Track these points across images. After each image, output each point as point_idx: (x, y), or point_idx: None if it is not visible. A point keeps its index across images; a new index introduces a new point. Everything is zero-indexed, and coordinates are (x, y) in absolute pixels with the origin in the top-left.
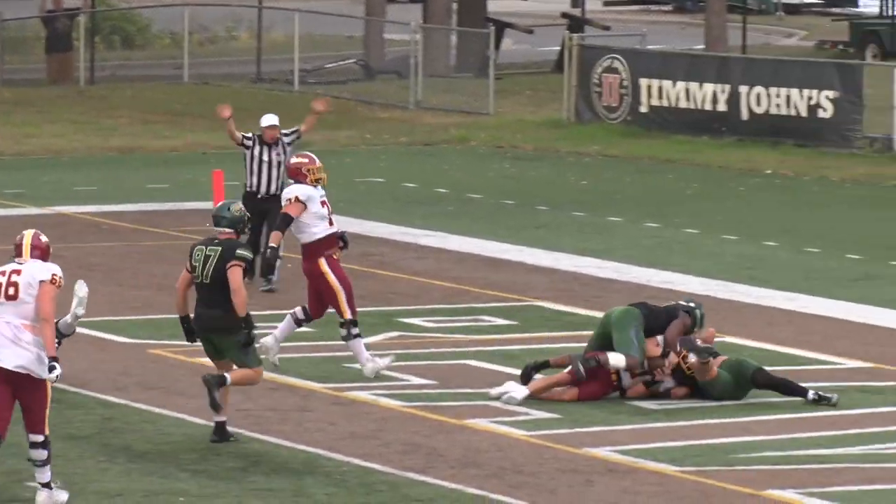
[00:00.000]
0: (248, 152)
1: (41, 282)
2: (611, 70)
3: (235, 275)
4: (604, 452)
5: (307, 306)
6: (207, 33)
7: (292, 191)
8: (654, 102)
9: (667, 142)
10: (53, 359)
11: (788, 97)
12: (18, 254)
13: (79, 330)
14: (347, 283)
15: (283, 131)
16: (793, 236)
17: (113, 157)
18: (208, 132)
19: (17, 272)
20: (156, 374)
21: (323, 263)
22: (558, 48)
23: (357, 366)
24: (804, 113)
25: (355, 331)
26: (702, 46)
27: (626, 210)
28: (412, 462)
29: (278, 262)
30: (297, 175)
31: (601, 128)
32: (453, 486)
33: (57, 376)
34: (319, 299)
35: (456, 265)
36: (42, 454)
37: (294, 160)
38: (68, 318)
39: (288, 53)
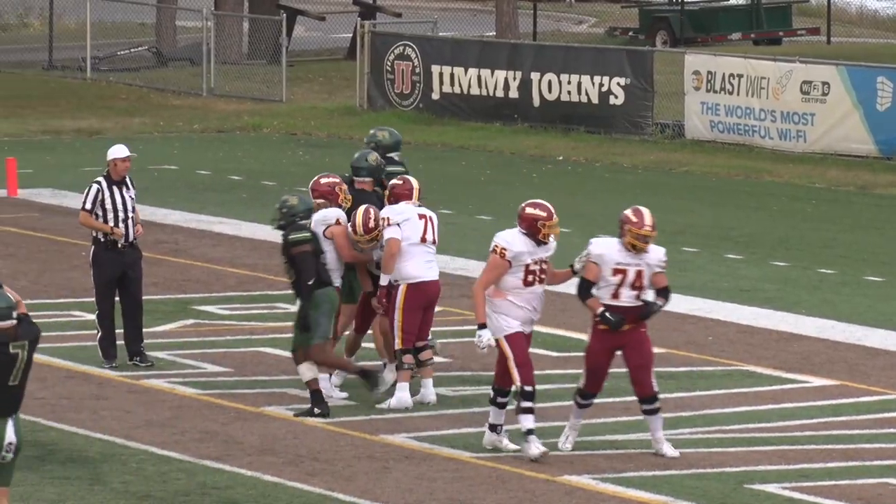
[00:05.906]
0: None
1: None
2: (403, 57)
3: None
4: (400, 439)
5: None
6: None
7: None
8: (446, 89)
9: (459, 129)
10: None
11: (580, 84)
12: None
13: None
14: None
15: None
16: (586, 221)
17: None
18: (1, 120)
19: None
20: None
21: None
22: (350, 35)
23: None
24: (595, 100)
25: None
26: (493, 33)
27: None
28: (209, 450)
29: None
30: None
31: (394, 115)
32: (250, 473)
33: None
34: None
35: (250, 252)
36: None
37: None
38: None
39: (80, 41)
